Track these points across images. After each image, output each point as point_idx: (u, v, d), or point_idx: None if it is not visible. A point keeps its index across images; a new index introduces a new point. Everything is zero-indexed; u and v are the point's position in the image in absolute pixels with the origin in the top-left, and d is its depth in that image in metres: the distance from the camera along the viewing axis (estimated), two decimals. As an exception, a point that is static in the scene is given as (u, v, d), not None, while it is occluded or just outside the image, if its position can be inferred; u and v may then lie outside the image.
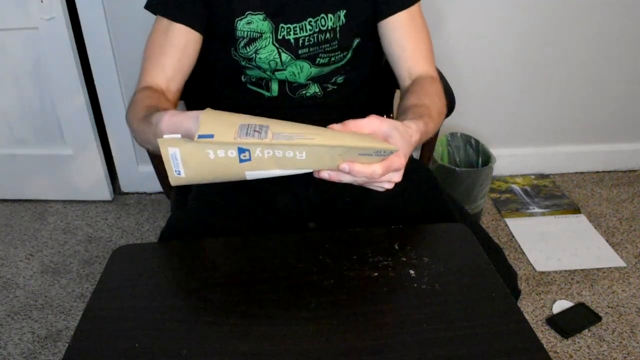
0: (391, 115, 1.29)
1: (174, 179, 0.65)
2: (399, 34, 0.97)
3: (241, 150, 0.61)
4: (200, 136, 0.60)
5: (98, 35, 1.76)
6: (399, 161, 0.68)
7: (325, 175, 0.67)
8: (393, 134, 0.68)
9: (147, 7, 0.97)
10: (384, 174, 0.67)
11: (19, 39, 1.74)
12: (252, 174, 0.65)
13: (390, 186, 0.71)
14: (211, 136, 0.60)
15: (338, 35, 0.95)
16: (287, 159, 0.63)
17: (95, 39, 1.77)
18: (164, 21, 0.93)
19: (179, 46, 0.93)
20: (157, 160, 1.18)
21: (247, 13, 0.93)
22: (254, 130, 0.61)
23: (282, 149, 0.61)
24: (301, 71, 0.98)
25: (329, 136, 0.63)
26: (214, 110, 0.64)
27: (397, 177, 0.69)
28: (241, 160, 0.62)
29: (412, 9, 0.97)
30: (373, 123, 0.67)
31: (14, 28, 1.71)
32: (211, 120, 0.62)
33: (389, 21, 0.97)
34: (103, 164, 1.99)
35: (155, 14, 0.95)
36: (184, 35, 0.93)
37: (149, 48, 0.95)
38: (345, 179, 0.67)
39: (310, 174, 1.04)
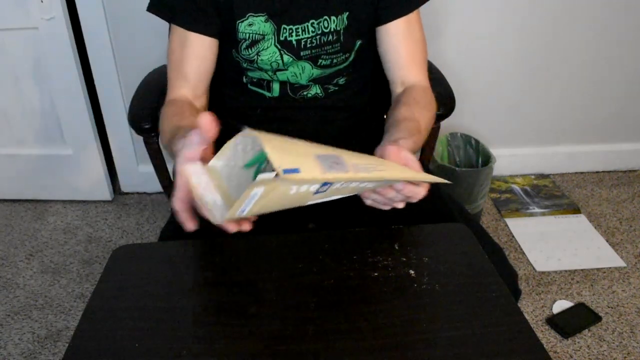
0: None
1: (231, 217, 0.58)
2: (396, 40, 0.98)
3: (325, 184, 0.57)
4: (285, 171, 0.52)
5: (98, 35, 1.76)
6: (417, 191, 0.72)
7: (369, 202, 0.73)
8: (409, 157, 0.72)
9: (154, 12, 0.97)
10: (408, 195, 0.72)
11: (19, 39, 1.74)
12: (313, 202, 0.61)
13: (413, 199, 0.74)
14: (297, 170, 0.53)
15: (341, 38, 0.96)
16: (353, 188, 0.63)
17: (95, 39, 1.77)
18: (179, 30, 0.95)
19: (198, 54, 0.96)
20: (157, 161, 1.18)
21: (248, 15, 0.93)
22: (334, 162, 0.57)
23: (360, 181, 0.61)
24: (303, 72, 0.98)
25: (391, 167, 0.66)
26: (269, 135, 0.56)
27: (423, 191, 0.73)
28: (316, 192, 0.58)
29: (411, 16, 0.97)
30: (399, 157, 0.71)
31: (14, 28, 1.71)
32: (279, 149, 0.55)
33: (387, 27, 0.97)
34: (103, 164, 1.99)
35: (169, 22, 0.96)
36: (200, 44, 0.95)
37: (170, 59, 0.98)
38: (390, 195, 0.71)
39: None
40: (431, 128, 0.96)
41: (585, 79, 1.98)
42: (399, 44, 0.98)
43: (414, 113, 0.89)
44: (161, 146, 0.97)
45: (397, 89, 0.99)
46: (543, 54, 1.91)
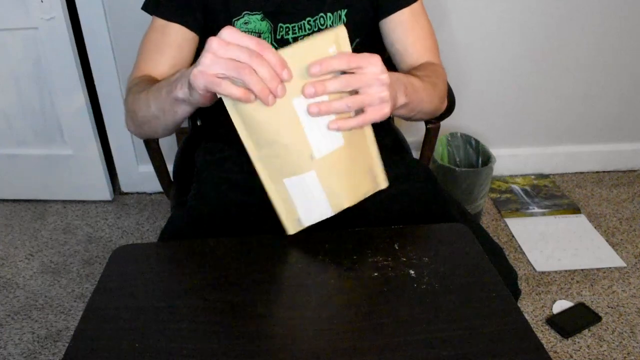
0: (391, 119, 1.29)
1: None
2: (401, 31, 0.97)
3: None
4: None
5: (98, 35, 1.76)
6: (371, 56, 0.64)
7: (310, 90, 0.64)
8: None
9: (144, 8, 0.97)
10: (359, 63, 0.64)
11: (19, 39, 1.74)
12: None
13: (385, 81, 0.65)
14: None
15: None
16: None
17: (95, 39, 1.77)
18: (160, 21, 0.94)
19: (174, 44, 0.94)
20: (157, 161, 1.18)
21: (244, 13, 0.93)
22: None
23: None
24: None
25: None
26: None
27: (384, 75, 0.65)
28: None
29: (414, 5, 0.97)
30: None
31: (14, 28, 1.71)
32: None
33: (391, 19, 0.97)
34: (103, 164, 1.99)
35: (151, 14, 0.96)
36: (179, 34, 0.94)
37: (144, 45, 0.96)
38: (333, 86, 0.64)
39: None
40: (440, 92, 0.93)
41: (585, 79, 1.98)
42: (405, 34, 0.97)
43: (416, 72, 0.89)
44: (129, 112, 0.90)
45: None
46: (543, 54, 1.92)
